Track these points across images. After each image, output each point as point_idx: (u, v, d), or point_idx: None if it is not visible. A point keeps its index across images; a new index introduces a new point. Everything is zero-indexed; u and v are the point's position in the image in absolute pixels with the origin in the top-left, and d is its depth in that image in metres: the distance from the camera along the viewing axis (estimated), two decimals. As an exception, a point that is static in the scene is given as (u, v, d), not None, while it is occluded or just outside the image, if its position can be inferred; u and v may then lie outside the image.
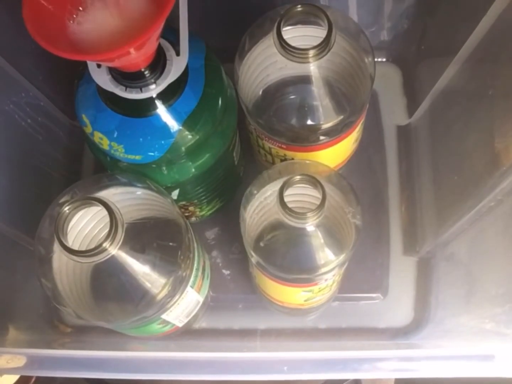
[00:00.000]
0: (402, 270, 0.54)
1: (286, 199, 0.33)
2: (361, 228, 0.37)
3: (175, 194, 0.45)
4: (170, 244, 0.39)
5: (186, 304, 0.44)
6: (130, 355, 0.37)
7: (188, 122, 0.39)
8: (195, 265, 0.43)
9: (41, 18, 0.31)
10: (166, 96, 0.37)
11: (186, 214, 0.50)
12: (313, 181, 0.34)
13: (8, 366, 0.36)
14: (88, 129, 0.39)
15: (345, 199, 0.38)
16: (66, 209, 0.33)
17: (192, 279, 0.43)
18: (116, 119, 0.38)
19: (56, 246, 0.35)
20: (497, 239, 0.43)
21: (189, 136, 0.39)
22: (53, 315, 0.53)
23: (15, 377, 0.48)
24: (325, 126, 0.42)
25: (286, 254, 0.38)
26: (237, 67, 0.42)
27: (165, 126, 0.38)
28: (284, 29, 0.38)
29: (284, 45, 0.37)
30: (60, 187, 0.40)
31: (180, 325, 0.47)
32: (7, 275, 0.47)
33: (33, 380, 0.49)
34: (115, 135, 0.38)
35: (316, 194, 0.34)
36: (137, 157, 0.39)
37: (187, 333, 0.51)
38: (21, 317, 0.48)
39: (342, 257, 0.37)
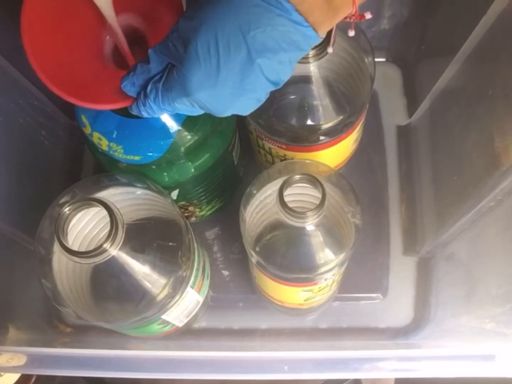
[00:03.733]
0: (402, 270, 0.54)
1: (286, 199, 0.33)
2: (361, 228, 0.37)
3: (174, 194, 0.45)
4: (171, 244, 0.39)
5: (186, 304, 0.44)
6: (130, 354, 0.37)
7: (187, 123, 0.39)
8: (195, 265, 0.43)
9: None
10: (166, 96, 0.37)
11: (186, 214, 0.50)
12: (313, 180, 0.34)
13: (8, 364, 0.36)
14: (87, 129, 0.39)
15: (345, 199, 0.38)
16: (66, 209, 0.33)
17: (192, 279, 0.43)
18: (115, 120, 0.38)
19: (56, 247, 0.35)
20: (497, 239, 0.43)
21: (188, 137, 0.39)
22: (53, 315, 0.53)
23: (16, 376, 0.48)
24: (325, 126, 0.42)
25: (286, 253, 0.38)
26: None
27: (164, 127, 0.38)
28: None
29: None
30: (60, 187, 0.40)
31: (180, 325, 0.47)
32: (7, 275, 0.47)
33: (33, 379, 0.49)
34: (114, 135, 0.38)
35: (316, 193, 0.34)
36: (136, 158, 0.39)
37: (187, 333, 0.51)
38: (21, 317, 0.48)
39: (342, 256, 0.37)
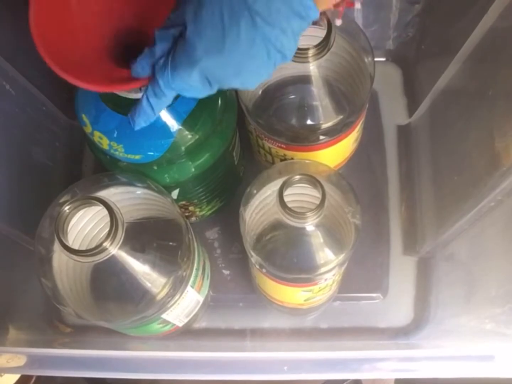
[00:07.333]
0: (402, 270, 0.54)
1: (286, 199, 0.33)
2: (361, 228, 0.37)
3: (175, 193, 0.45)
4: (170, 244, 0.39)
5: (186, 304, 0.44)
6: (130, 354, 0.37)
7: (188, 122, 0.39)
8: (195, 265, 0.43)
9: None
10: (166, 96, 0.37)
11: (186, 214, 0.50)
12: (313, 181, 0.34)
13: (8, 365, 0.36)
14: (88, 128, 0.39)
15: (345, 199, 0.38)
16: (66, 208, 0.33)
17: (192, 279, 0.43)
18: (115, 119, 0.38)
19: (56, 246, 0.35)
20: (497, 239, 0.43)
21: (189, 136, 0.39)
22: (53, 315, 0.53)
23: (16, 377, 0.48)
24: (325, 125, 0.42)
25: (286, 253, 0.38)
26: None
27: (164, 126, 0.38)
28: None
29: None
30: (60, 187, 0.40)
31: (180, 324, 0.47)
32: (7, 275, 0.47)
33: (33, 379, 0.49)
34: (115, 134, 0.38)
35: (316, 193, 0.34)
36: (137, 157, 0.39)
37: (187, 333, 0.51)
38: (21, 317, 0.48)
39: (341, 256, 0.37)
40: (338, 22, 0.33)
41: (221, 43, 0.29)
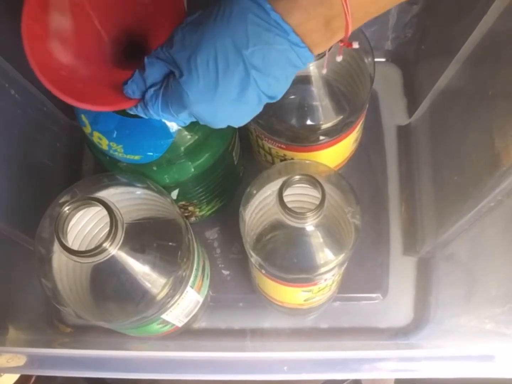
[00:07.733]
0: (402, 270, 0.54)
1: (285, 199, 0.33)
2: (361, 228, 0.37)
3: (174, 194, 0.45)
4: (170, 244, 0.39)
5: (186, 304, 0.44)
6: (130, 354, 0.37)
7: (187, 122, 0.39)
8: (195, 265, 0.43)
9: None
10: (166, 96, 0.37)
11: (186, 214, 0.50)
12: (313, 181, 0.34)
13: (8, 365, 0.36)
14: (87, 129, 0.39)
15: (345, 199, 0.38)
16: (66, 209, 0.33)
17: (192, 279, 0.43)
18: (115, 119, 0.38)
19: (56, 246, 0.35)
20: (497, 239, 0.43)
21: (188, 136, 0.39)
22: (53, 315, 0.53)
23: (16, 377, 0.48)
24: (325, 126, 0.42)
25: (285, 254, 0.38)
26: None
27: (164, 126, 0.38)
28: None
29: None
30: (60, 187, 0.40)
31: (180, 325, 0.47)
32: (7, 275, 0.47)
33: (33, 379, 0.49)
34: (114, 135, 0.38)
35: (316, 194, 0.34)
36: (136, 157, 0.39)
37: (187, 333, 0.51)
38: (21, 317, 0.48)
39: (341, 257, 0.37)
40: (339, 58, 0.33)
41: (213, 93, 0.29)
